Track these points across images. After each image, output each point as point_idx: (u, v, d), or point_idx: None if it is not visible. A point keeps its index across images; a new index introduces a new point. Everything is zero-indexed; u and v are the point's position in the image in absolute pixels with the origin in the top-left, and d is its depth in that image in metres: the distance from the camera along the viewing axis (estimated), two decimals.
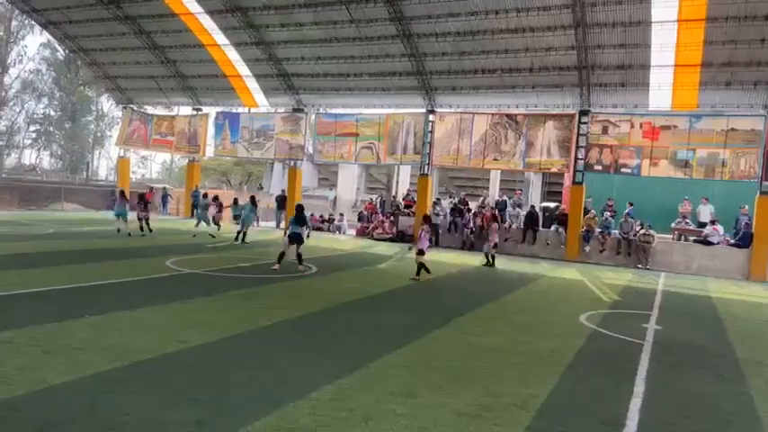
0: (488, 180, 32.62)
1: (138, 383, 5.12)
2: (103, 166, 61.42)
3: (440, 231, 22.57)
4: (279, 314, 8.42)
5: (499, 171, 29.91)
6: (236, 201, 22.84)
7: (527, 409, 5.16)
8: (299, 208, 13.56)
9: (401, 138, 23.96)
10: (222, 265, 13.04)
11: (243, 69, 26.00)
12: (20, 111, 52.20)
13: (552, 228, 21.59)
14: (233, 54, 25.41)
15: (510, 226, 22.14)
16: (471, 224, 22.23)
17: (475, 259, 18.47)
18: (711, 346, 8.45)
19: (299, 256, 12.97)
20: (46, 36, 39.01)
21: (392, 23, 20.93)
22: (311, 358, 6.28)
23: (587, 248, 20.53)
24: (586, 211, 21.07)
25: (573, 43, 19.30)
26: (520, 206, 23.68)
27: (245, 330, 7.32)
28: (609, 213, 21.09)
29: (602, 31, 18.70)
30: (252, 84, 26.60)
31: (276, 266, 12.64)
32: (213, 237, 19.48)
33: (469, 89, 22.37)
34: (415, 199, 24.83)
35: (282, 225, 26.04)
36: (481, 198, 25.49)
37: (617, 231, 20.60)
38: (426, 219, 14.31)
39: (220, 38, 24.75)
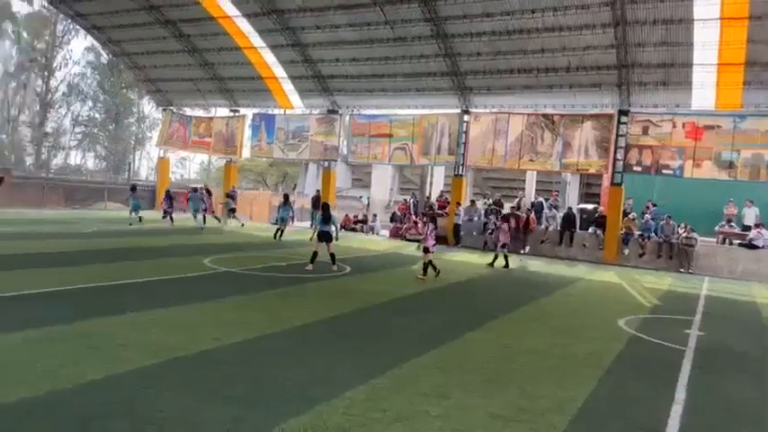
0: (524, 181, 32.22)
1: (175, 380, 5.21)
2: (144, 166, 62.95)
3: (461, 232, 22.61)
4: (313, 314, 8.47)
5: (535, 172, 29.54)
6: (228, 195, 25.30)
7: (563, 412, 5.06)
8: (325, 206, 13.82)
9: (435, 138, 23.88)
10: (257, 264, 13.21)
11: (279, 71, 26.31)
12: (66, 113, 53.94)
13: (590, 230, 21.19)
14: (269, 56, 25.73)
15: (547, 228, 21.82)
16: (492, 226, 21.74)
17: (511, 261, 18.24)
18: (755, 352, 8.17)
19: (332, 255, 13.05)
20: (90, 40, 40.19)
21: (427, 24, 20.87)
22: (345, 358, 6.29)
23: (626, 251, 20.08)
24: (626, 214, 20.62)
25: (612, 42, 18.90)
26: (556, 208, 23.31)
27: (280, 329, 7.39)
28: (648, 216, 20.58)
29: (642, 28, 18.25)
30: (287, 85, 26.90)
31: (309, 266, 12.74)
32: (201, 230, 20.74)
33: (505, 89, 22.14)
34: (449, 200, 24.69)
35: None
36: (516, 199, 25.18)
37: (656, 234, 20.08)
38: (431, 217, 14.34)
39: (257, 40, 25.10)
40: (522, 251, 21.06)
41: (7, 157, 43.38)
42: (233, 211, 24.50)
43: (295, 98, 27.35)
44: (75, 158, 59.64)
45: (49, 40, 48.50)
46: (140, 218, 21.11)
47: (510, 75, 21.63)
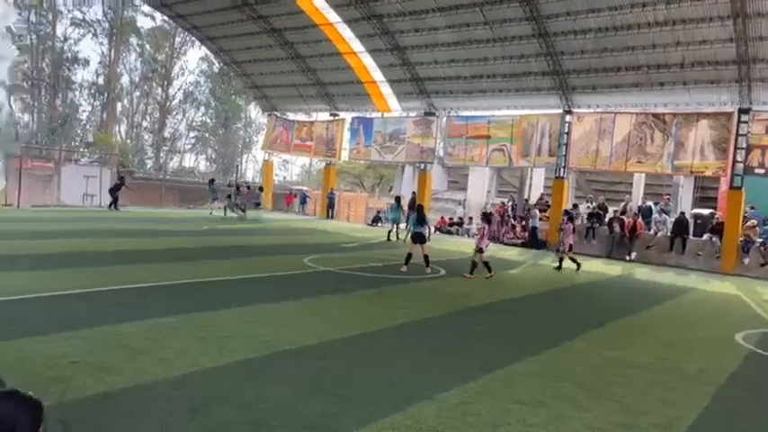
0: (631, 184, 30.50)
1: (278, 373, 5.46)
2: (251, 168, 66.26)
3: (539, 235, 22.24)
4: (407, 315, 8.54)
5: (643, 175, 27.90)
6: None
7: (671, 431, 4.76)
8: (420, 208, 13.92)
9: (535, 139, 23.24)
10: (354, 264, 13.50)
11: (377, 75, 26.78)
12: (181, 119, 58.01)
13: (704, 237, 19.70)
14: (368, 60, 26.27)
15: (656, 233, 20.58)
16: (612, 230, 20.94)
17: (615, 268, 17.42)
18: None
19: (425, 257, 13.08)
20: (204, 50, 42.98)
21: (528, 23, 20.39)
22: (438, 360, 6.30)
23: (746, 261, 18.48)
24: (746, 219, 18.99)
25: (731, 35, 17.49)
26: (667, 212, 21.91)
27: (376, 329, 7.52)
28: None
29: (764, 21, 16.76)
30: (385, 89, 27.31)
31: (404, 268, 12.84)
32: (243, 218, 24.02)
33: (611, 87, 21.14)
34: (549, 203, 23.94)
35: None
36: (623, 203, 23.92)
37: None
38: (486, 217, 13.97)
39: (357, 45, 25.70)
40: (627, 257, 20.01)
41: (131, 160, 47.29)
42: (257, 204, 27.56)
43: (392, 101, 27.70)
44: (188, 161, 63.93)
45: (168, 51, 52.40)
46: (217, 211, 24.33)
47: (616, 72, 20.62)
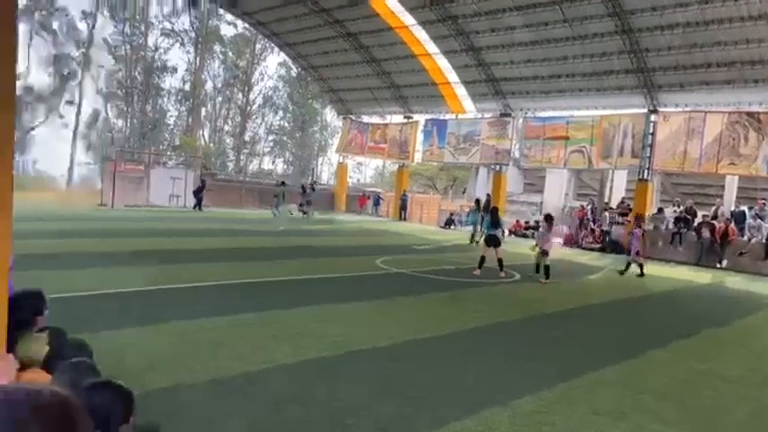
0: (722, 187, 28.65)
1: (351, 372, 5.51)
2: (326, 171, 67.56)
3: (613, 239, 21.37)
4: (481, 318, 8.40)
5: (736, 177, 26.13)
6: (303, 188, 29.20)
7: None
8: (494, 211, 13.67)
9: (617, 140, 22.29)
10: (426, 267, 13.45)
11: (452, 77, 26.62)
12: (261, 123, 60.00)
13: None
14: (443, 62, 26.16)
15: (750, 240, 19.21)
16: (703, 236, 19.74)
17: (704, 276, 16.43)
18: None
19: (499, 261, 12.82)
20: (282, 56, 44.25)
21: (610, 19, 19.61)
22: (512, 366, 6.15)
23: None
24: None
25: None
26: (762, 218, 20.37)
27: (448, 332, 7.44)
28: None
29: None
30: (460, 90, 27.10)
31: (477, 271, 12.65)
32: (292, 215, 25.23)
33: (700, 85, 19.97)
34: (631, 206, 22.90)
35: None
36: (713, 207, 22.48)
37: None
38: (548, 218, 13.37)
39: (431, 47, 25.66)
40: (718, 265, 18.80)
41: (213, 163, 49.44)
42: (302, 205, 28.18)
43: (467, 102, 27.45)
44: (267, 164, 66.01)
45: (249, 58, 54.39)
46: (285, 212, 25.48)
47: (707, 69, 19.45)
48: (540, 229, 13.37)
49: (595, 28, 20.37)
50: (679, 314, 10.73)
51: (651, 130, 21.20)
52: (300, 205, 27.64)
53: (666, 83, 20.67)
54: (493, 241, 13.02)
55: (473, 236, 20.93)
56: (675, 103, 21.07)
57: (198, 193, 26.20)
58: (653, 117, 21.23)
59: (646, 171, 21.45)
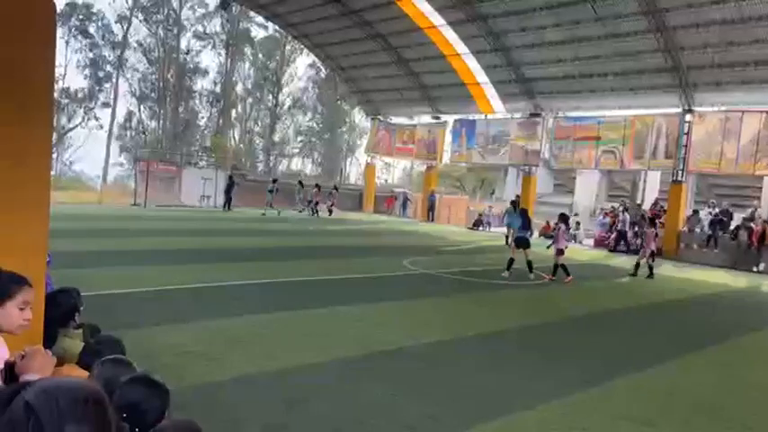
0: (760, 188, 27.87)
1: (377, 371, 5.52)
2: (353, 171, 67.79)
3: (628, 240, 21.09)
4: (507, 321, 8.34)
5: None
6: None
7: None
8: (523, 212, 13.54)
9: (650, 141, 21.85)
10: (453, 268, 13.39)
11: (481, 77, 26.44)
12: (290, 124, 60.52)
13: None
14: (472, 62, 26.00)
15: None
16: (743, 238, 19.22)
17: (740, 280, 16.00)
18: None
19: (528, 263, 12.68)
20: (312, 57, 44.58)
21: (644, 17, 19.22)
22: (540, 369, 6.08)
23: None
24: None
25: None
26: None
27: (474, 334, 7.40)
28: None
29: None
30: (489, 90, 26.89)
31: (505, 273, 12.54)
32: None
33: (738, 84, 19.41)
34: (665, 208, 22.42)
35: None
36: (750, 209, 21.87)
37: None
38: (563, 218, 13.12)
39: (460, 47, 25.53)
40: (755, 268, 18.28)
41: (243, 164, 50.03)
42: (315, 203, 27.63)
43: (496, 102, 27.23)
44: (296, 164, 66.56)
45: (278, 60, 54.92)
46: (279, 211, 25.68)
47: (744, 68, 18.90)
48: (558, 231, 13.14)
49: (628, 26, 19.99)
50: (713, 319, 10.46)
51: (686, 130, 20.71)
52: (308, 203, 27.77)
53: (702, 82, 20.17)
54: (522, 243, 12.90)
55: (508, 237, 20.76)
56: (711, 102, 20.55)
57: (228, 191, 26.43)
58: (688, 117, 20.74)
59: (680, 172, 20.98)
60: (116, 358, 2.25)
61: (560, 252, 12.61)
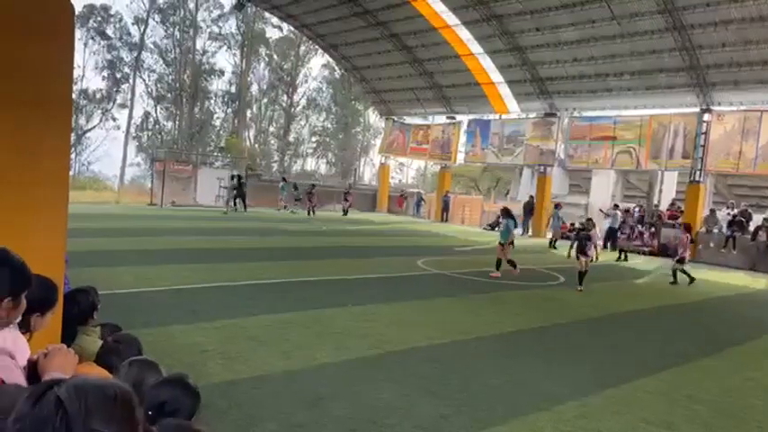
0: None
1: (391, 371, 5.52)
2: (368, 172, 67.82)
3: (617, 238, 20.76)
4: (522, 321, 8.29)
5: None
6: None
7: None
8: (507, 212, 13.16)
9: (667, 141, 21.60)
10: (468, 269, 13.35)
11: (495, 76, 26.33)
12: (305, 124, 60.73)
13: None
14: (486, 62, 25.91)
15: None
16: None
17: (760, 281, 15.76)
18: None
19: (510, 261, 12.52)
20: (326, 58, 44.69)
21: (661, 16, 19.02)
22: (555, 370, 6.04)
23: None
24: None
25: None
26: None
27: (488, 334, 7.37)
28: None
29: None
30: (504, 90, 26.78)
31: (515, 271, 12.46)
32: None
33: (756, 83, 19.12)
34: (682, 209, 22.16)
35: (530, 232, 25.69)
36: None
37: None
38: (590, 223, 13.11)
39: (475, 47, 25.45)
40: None
41: (258, 164, 50.28)
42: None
43: (511, 102, 27.10)
44: (310, 165, 66.77)
45: (293, 60, 55.14)
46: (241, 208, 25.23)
47: (763, 67, 18.62)
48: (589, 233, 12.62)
49: (645, 25, 19.79)
50: (732, 321, 10.32)
51: (704, 130, 20.45)
52: (298, 200, 27.98)
53: (720, 81, 19.91)
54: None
55: (554, 241, 20.72)
56: (730, 101, 20.27)
57: (238, 193, 25.51)
58: (706, 116, 20.48)
59: (698, 172, 20.72)
60: (143, 360, 2.28)
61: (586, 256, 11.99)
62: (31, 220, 3.04)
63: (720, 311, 11.26)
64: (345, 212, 28.10)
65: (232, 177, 26.28)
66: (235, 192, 25.55)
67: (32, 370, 1.81)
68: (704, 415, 5.08)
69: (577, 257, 11.99)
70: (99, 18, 44.69)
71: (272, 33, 53.08)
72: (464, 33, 25.11)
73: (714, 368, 6.76)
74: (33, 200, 3.04)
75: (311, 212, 26.33)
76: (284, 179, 28.20)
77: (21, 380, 1.75)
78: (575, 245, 12.95)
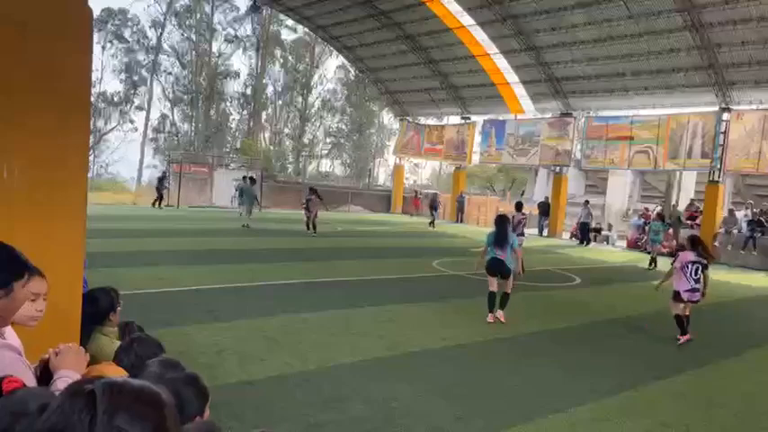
0: None
1: (406, 372, 5.52)
2: (382, 173, 67.84)
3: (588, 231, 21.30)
4: (537, 323, 8.24)
5: None
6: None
7: None
8: (501, 220, 12.86)
9: (685, 140, 21.34)
10: (483, 270, 13.24)
11: (510, 77, 26.20)
12: (319, 126, 60.94)
13: None
14: (501, 62, 25.79)
15: None
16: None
17: None
18: None
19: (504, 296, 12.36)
20: (341, 59, 44.82)
21: (679, 14, 18.80)
22: (570, 372, 5.99)
23: None
24: None
25: None
26: None
27: (504, 336, 7.33)
28: None
29: None
30: (519, 90, 26.64)
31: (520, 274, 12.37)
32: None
33: None
34: (701, 209, 21.88)
35: (546, 233, 25.52)
36: None
37: None
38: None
39: (490, 47, 25.35)
40: None
41: (273, 165, 50.56)
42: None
43: (526, 102, 26.96)
44: (325, 166, 66.97)
45: (308, 62, 55.38)
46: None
47: None
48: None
49: (663, 24, 19.58)
50: (752, 323, 10.17)
51: (723, 130, 20.17)
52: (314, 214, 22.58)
53: (740, 80, 19.63)
54: (495, 268, 11.59)
55: (654, 260, 16.51)
56: (749, 100, 19.97)
57: (242, 194, 20.43)
58: (725, 116, 20.20)
59: (717, 172, 20.44)
60: (166, 359, 2.29)
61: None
62: (51, 222, 3.08)
63: (740, 313, 11.09)
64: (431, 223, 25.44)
65: (244, 179, 22.38)
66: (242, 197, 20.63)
67: (44, 368, 1.83)
68: (723, 419, 5.01)
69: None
70: (117, 21, 45.29)
71: (288, 35, 53.39)
72: (479, 34, 25.02)
73: (733, 371, 6.66)
74: (53, 202, 3.09)
75: (310, 226, 18.62)
76: (244, 178, 21.89)
77: (29, 377, 1.76)
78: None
